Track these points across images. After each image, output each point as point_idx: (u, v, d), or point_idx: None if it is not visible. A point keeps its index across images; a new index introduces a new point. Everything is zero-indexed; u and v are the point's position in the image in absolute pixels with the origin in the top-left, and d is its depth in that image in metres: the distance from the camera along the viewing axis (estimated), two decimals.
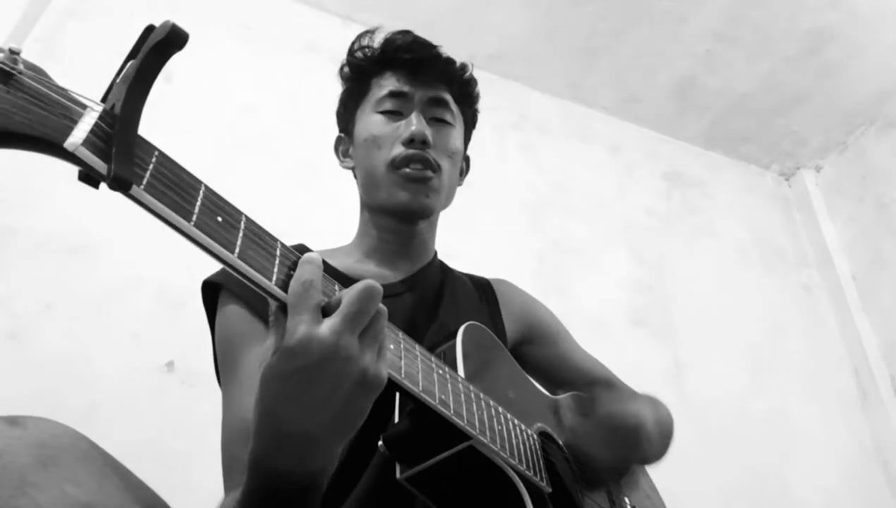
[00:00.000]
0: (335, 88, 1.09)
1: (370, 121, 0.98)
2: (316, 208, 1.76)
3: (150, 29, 0.45)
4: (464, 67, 1.05)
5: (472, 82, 1.07)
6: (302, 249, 0.92)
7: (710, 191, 2.75)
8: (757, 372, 2.32)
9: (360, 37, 1.04)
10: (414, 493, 0.66)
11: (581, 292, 2.17)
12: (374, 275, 0.95)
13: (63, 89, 0.43)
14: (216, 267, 0.89)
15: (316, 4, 2.27)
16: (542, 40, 2.43)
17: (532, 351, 1.06)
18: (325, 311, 0.51)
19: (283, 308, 0.51)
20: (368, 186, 0.98)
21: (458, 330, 0.77)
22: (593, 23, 2.37)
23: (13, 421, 0.48)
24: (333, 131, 1.10)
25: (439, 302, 0.97)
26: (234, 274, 0.49)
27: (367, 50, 1.02)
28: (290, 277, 0.51)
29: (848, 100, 2.66)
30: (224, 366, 0.84)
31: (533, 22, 2.37)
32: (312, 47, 2.17)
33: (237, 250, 0.48)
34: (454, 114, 1.02)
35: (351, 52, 1.04)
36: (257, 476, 0.55)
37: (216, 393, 0.86)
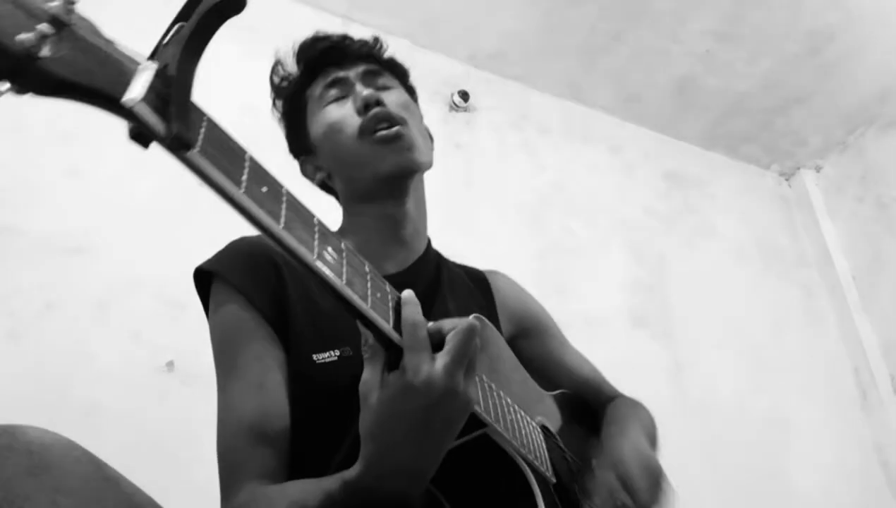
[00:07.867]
0: None
1: (321, 117, 0.97)
2: (314, 208, 1.76)
3: None
4: (378, 43, 1.05)
5: (392, 58, 1.07)
6: None
7: (710, 191, 2.75)
8: (757, 372, 2.31)
9: (273, 72, 1.05)
10: None
11: (581, 292, 2.17)
12: None
13: (115, 44, 0.42)
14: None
15: (316, 4, 2.27)
16: (542, 40, 2.43)
17: (524, 346, 1.05)
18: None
19: (381, 339, 0.56)
20: (348, 171, 0.96)
21: None
22: (593, 23, 2.36)
23: (3, 430, 0.47)
24: None
25: (435, 296, 0.96)
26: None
27: (287, 78, 1.04)
28: (387, 313, 0.56)
29: (848, 100, 2.66)
30: (222, 363, 0.82)
31: (533, 22, 2.36)
32: None
33: (314, 253, 0.53)
34: (393, 81, 1.02)
35: (276, 88, 1.05)
36: (353, 495, 0.59)
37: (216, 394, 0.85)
